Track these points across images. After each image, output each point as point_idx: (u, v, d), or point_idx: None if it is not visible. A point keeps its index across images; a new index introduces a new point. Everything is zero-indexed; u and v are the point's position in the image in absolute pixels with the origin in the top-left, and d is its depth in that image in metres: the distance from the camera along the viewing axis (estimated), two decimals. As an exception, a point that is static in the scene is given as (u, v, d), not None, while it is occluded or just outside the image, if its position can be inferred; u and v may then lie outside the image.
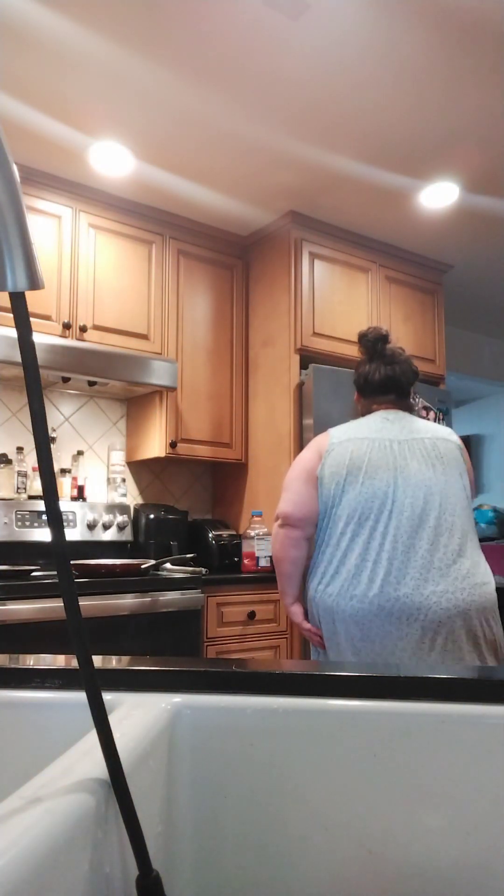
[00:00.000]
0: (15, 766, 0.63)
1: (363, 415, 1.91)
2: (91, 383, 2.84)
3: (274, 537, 1.84)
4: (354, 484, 1.70)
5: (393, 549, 1.62)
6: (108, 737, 0.43)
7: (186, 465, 3.38)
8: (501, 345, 5.04)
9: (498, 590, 1.77)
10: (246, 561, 2.91)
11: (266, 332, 3.20)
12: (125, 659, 0.74)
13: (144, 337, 2.95)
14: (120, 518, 2.97)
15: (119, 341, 2.87)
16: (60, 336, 2.71)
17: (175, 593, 2.47)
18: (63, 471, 2.95)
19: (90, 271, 2.83)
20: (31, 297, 2.58)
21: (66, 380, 2.75)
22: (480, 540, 2.45)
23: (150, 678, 0.67)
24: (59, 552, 0.41)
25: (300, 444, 2.97)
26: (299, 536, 1.79)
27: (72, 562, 2.04)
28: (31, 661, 0.72)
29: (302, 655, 2.83)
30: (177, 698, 0.63)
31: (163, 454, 2.96)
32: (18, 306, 0.40)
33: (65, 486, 2.93)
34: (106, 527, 2.93)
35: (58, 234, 2.78)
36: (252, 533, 2.92)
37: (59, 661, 0.72)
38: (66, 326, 2.73)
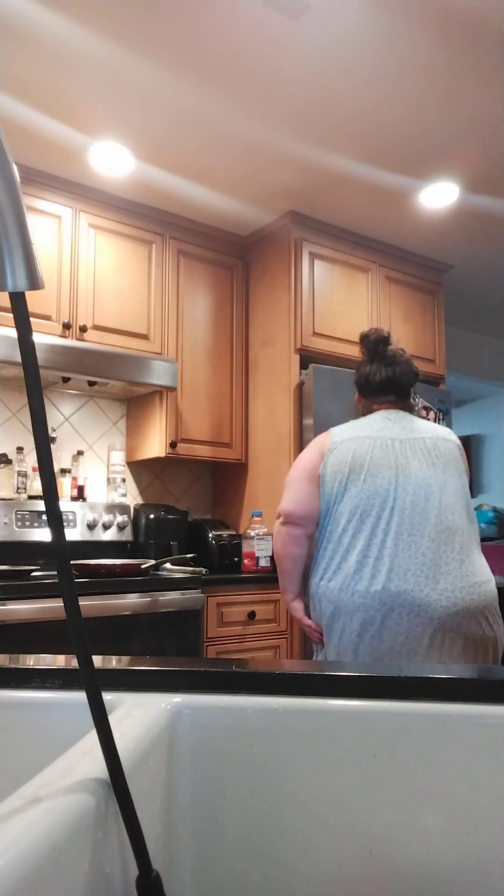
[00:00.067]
0: (15, 766, 0.63)
1: (364, 415, 1.93)
2: (91, 383, 2.84)
3: (276, 535, 1.86)
4: (356, 482, 1.72)
5: (395, 546, 1.64)
6: (108, 737, 0.43)
7: (186, 465, 3.38)
8: (501, 345, 5.04)
9: (498, 589, 1.77)
10: (246, 561, 2.91)
11: (266, 332, 3.20)
12: (125, 659, 0.74)
13: (144, 337, 2.95)
14: (120, 518, 2.97)
15: (119, 341, 2.87)
16: (60, 336, 2.71)
17: (175, 593, 2.47)
18: (63, 471, 2.95)
19: (90, 271, 2.83)
20: (31, 297, 2.58)
21: (66, 380, 2.76)
22: (480, 540, 2.46)
23: (150, 678, 0.67)
24: (59, 552, 0.41)
25: (300, 444, 2.97)
26: (301, 534, 1.81)
27: (72, 562, 2.04)
28: (31, 661, 0.72)
29: (302, 655, 2.83)
30: (177, 698, 0.63)
31: (163, 454, 2.96)
32: (18, 306, 0.40)
33: (65, 486, 2.93)
34: (106, 527, 2.93)
35: (58, 234, 2.78)
36: (252, 533, 2.92)
37: (59, 661, 0.72)
38: (66, 326, 2.73)
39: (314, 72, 2.20)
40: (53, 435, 3.00)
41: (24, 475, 2.81)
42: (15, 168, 0.39)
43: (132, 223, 2.98)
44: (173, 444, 2.97)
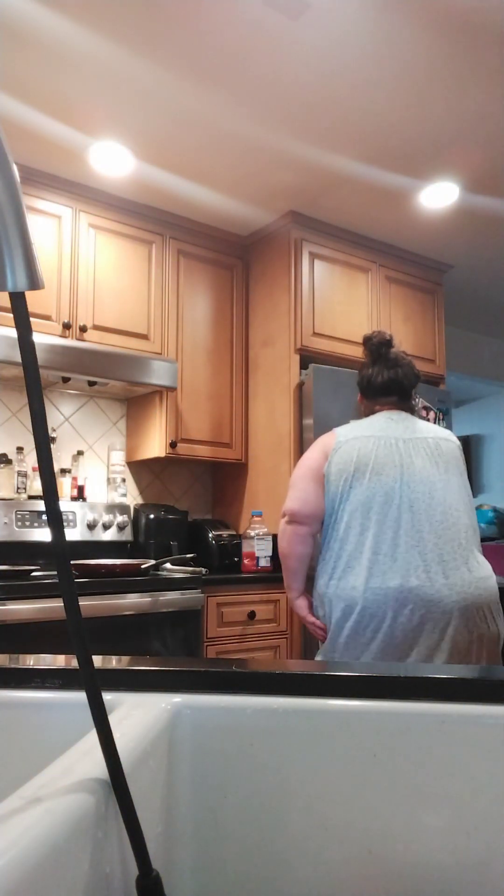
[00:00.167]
0: (15, 766, 0.63)
1: (366, 415, 1.96)
2: (91, 383, 2.84)
3: (281, 534, 1.88)
4: (362, 480, 1.74)
5: (405, 543, 1.67)
6: (108, 737, 0.43)
7: (186, 465, 3.38)
8: (501, 345, 5.04)
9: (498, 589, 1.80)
10: (246, 561, 2.91)
11: (266, 332, 3.20)
12: (125, 659, 0.74)
13: (144, 337, 2.95)
14: (120, 518, 2.97)
15: (119, 341, 2.87)
16: (60, 336, 2.71)
17: (175, 593, 2.47)
18: (63, 471, 2.95)
19: (90, 271, 2.83)
20: (31, 297, 2.58)
21: (66, 380, 2.75)
22: (480, 540, 2.47)
23: (150, 678, 0.67)
24: (59, 552, 0.41)
25: (300, 444, 2.97)
26: (306, 533, 1.83)
27: (72, 562, 2.04)
28: (31, 661, 0.72)
29: (302, 655, 2.83)
30: (177, 698, 0.63)
31: (163, 454, 2.96)
32: (18, 306, 0.40)
33: (65, 486, 2.93)
34: (106, 527, 2.93)
35: (58, 234, 2.78)
36: (252, 533, 2.92)
37: (59, 661, 0.72)
38: (66, 326, 2.73)
39: (314, 72, 2.20)
40: (53, 435, 3.00)
41: (24, 475, 2.81)
42: (15, 168, 0.39)
43: (132, 223, 2.98)
44: (173, 444, 2.97)
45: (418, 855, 0.58)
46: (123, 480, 3.08)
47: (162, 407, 2.99)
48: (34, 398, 0.40)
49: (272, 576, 2.78)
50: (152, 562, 2.56)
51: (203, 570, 2.64)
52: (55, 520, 0.41)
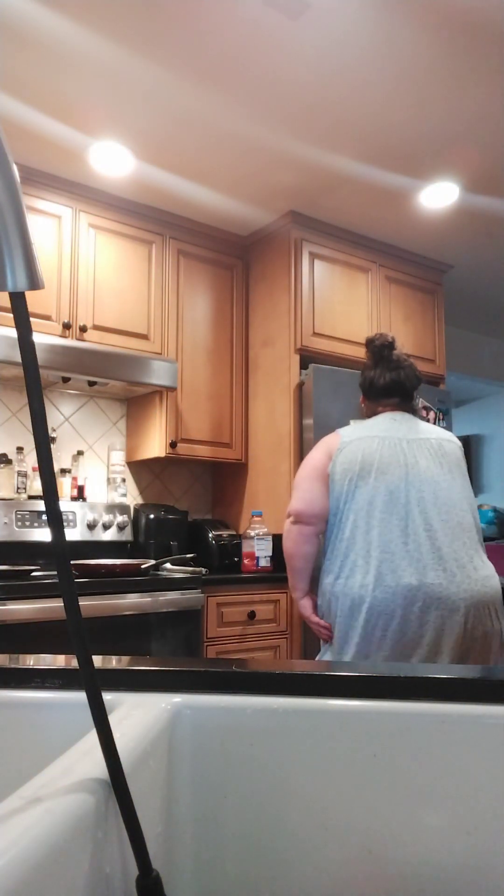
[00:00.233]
0: (15, 766, 0.63)
1: (368, 416, 1.97)
2: (91, 383, 2.84)
3: (286, 534, 1.88)
4: (367, 479, 1.75)
5: (412, 542, 1.68)
6: (108, 737, 0.43)
7: (186, 465, 3.38)
8: (501, 345, 5.04)
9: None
10: (246, 561, 2.91)
11: (266, 332, 3.20)
12: (125, 659, 0.74)
13: (144, 337, 2.95)
14: (120, 518, 2.97)
15: (119, 341, 2.87)
16: (60, 336, 2.71)
17: (175, 593, 2.47)
18: (63, 471, 2.95)
19: (90, 271, 2.83)
20: (31, 297, 2.58)
21: (66, 380, 2.75)
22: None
23: (150, 678, 0.67)
24: (59, 552, 0.41)
25: (300, 444, 2.97)
26: (311, 532, 1.84)
27: (72, 562, 2.04)
28: (31, 661, 0.72)
29: (302, 655, 2.83)
30: (177, 698, 0.63)
31: (163, 454, 2.96)
32: (18, 306, 0.40)
33: (65, 486, 2.93)
34: (106, 527, 2.93)
35: (58, 234, 2.78)
36: (252, 533, 2.91)
37: (59, 661, 0.72)
38: (66, 326, 2.73)
39: (314, 72, 2.20)
40: (53, 435, 3.00)
41: (24, 475, 2.81)
42: (15, 168, 0.39)
43: (132, 223, 2.98)
44: (173, 444, 2.97)
45: (418, 855, 0.58)
46: (123, 480, 3.08)
47: (162, 407, 2.99)
48: (34, 398, 0.40)
49: (272, 576, 2.78)
50: (152, 562, 2.56)
51: (203, 570, 2.64)
52: (55, 520, 0.41)
